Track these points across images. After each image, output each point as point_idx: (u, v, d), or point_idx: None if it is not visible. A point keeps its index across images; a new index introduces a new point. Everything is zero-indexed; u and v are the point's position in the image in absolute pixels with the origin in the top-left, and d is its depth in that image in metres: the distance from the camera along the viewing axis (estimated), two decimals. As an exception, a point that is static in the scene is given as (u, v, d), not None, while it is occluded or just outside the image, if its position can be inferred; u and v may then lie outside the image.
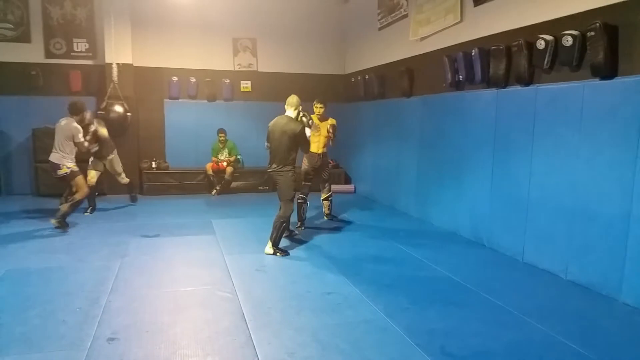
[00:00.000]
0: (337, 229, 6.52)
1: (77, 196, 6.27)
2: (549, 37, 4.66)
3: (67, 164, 6.23)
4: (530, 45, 4.90)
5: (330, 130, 6.57)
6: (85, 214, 7.11)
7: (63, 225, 6.15)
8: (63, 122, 6.34)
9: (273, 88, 9.85)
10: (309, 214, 6.84)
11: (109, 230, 6.26)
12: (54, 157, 6.27)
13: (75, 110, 6.42)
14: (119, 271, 4.65)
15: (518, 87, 5.16)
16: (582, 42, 4.34)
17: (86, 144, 6.53)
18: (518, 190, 5.12)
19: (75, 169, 6.33)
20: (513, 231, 5.21)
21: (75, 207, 6.30)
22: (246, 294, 4.09)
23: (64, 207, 6.21)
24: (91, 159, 7.30)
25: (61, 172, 6.22)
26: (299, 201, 6.35)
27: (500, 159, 5.40)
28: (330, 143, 6.72)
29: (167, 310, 3.78)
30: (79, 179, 6.35)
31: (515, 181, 5.18)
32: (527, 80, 5.03)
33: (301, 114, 5.54)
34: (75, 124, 6.33)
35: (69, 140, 6.25)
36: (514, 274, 4.77)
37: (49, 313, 3.66)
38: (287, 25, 10.01)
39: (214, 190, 9.22)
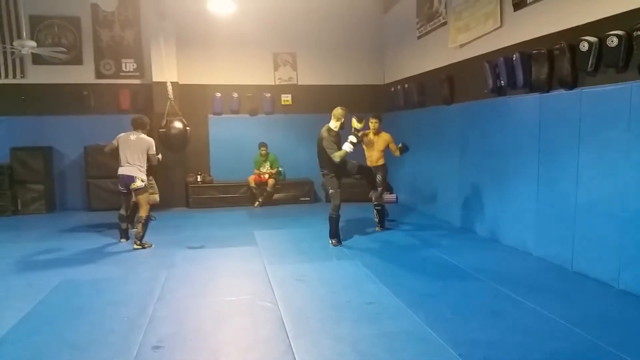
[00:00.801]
0: (379, 239, 6.48)
1: (143, 213, 6.21)
2: (592, 39, 4.50)
3: (142, 177, 6.23)
4: (573, 48, 4.75)
5: (391, 148, 7.02)
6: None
7: (145, 245, 6.21)
8: (133, 136, 6.27)
9: (313, 100, 10.00)
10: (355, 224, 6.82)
11: (156, 242, 6.46)
12: (128, 170, 6.17)
13: (143, 125, 6.48)
14: (165, 281, 4.81)
15: (562, 91, 5.00)
16: (628, 42, 4.17)
17: (159, 156, 6.62)
18: (565, 196, 4.94)
19: (146, 183, 6.36)
20: (561, 239, 5.02)
21: (146, 225, 6.28)
22: (286, 304, 4.13)
23: (139, 229, 6.23)
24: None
25: (135, 185, 6.17)
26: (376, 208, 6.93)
27: (545, 164, 5.24)
28: (397, 154, 7.06)
29: (210, 319, 3.87)
30: (147, 194, 6.37)
31: (562, 187, 5.00)
32: (571, 84, 4.86)
33: (356, 133, 6.16)
34: (149, 137, 6.43)
35: (144, 154, 6.27)
36: (562, 283, 4.59)
37: (99, 322, 3.83)
38: (326, 38, 10.14)
39: (257, 202, 9.38)
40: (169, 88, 8.56)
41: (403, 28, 9.14)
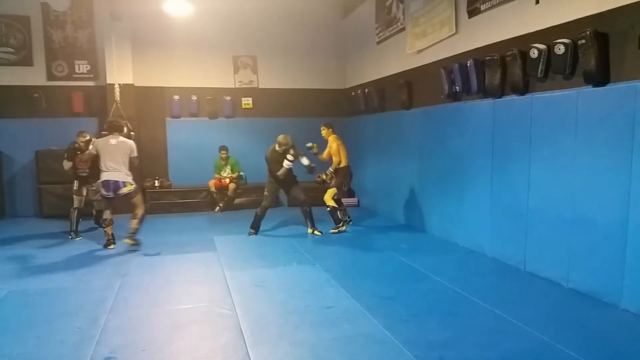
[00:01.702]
0: (338, 243, 6.51)
1: (140, 212, 6.23)
2: (541, 46, 4.68)
3: (130, 180, 6.13)
4: (524, 55, 4.93)
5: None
6: (70, 237, 6.96)
7: (137, 243, 6.19)
8: (113, 140, 6.12)
9: (274, 104, 9.98)
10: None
11: (110, 250, 6.27)
12: (115, 176, 6.03)
13: (120, 127, 6.41)
14: (119, 290, 4.66)
15: (514, 97, 5.17)
16: (574, 50, 4.36)
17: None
18: (517, 199, 5.10)
19: (136, 185, 6.28)
20: (514, 240, 5.17)
21: (141, 222, 6.30)
22: (245, 310, 4.07)
23: (134, 224, 6.17)
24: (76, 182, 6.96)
25: (126, 189, 6.06)
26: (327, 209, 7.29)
27: (498, 168, 5.39)
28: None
29: (165, 328, 3.77)
30: (139, 194, 6.37)
31: (514, 190, 5.16)
32: (522, 90, 5.04)
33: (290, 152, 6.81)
34: (129, 140, 6.35)
35: (127, 157, 6.12)
36: (515, 283, 4.73)
37: (48, 334, 3.66)
38: (286, 42, 10.13)
39: (217, 207, 9.25)
40: (117, 90, 8.32)
41: (363, 33, 9.24)
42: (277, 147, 6.84)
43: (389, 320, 3.77)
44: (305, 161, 6.90)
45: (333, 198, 7.11)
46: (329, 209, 7.09)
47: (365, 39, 9.11)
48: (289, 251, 6.07)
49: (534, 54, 4.74)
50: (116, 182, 6.04)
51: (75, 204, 6.93)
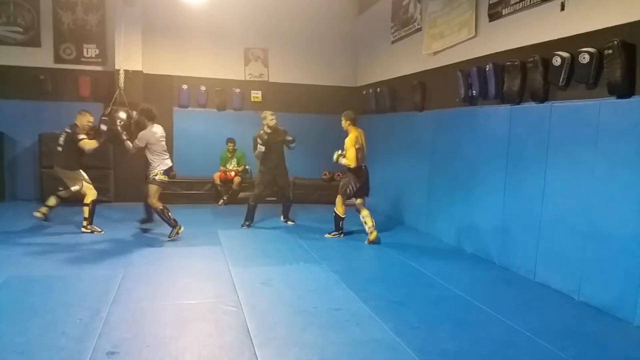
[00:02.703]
0: (345, 243, 6.42)
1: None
2: (565, 54, 4.58)
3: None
4: (546, 62, 4.82)
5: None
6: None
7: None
8: (160, 129, 6.32)
9: (284, 99, 9.86)
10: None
11: (113, 239, 6.19)
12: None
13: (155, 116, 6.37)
14: (121, 281, 4.57)
15: (532, 104, 5.08)
16: (599, 60, 4.26)
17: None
18: (531, 208, 5.01)
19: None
20: (525, 249, 5.09)
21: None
22: (251, 308, 3.99)
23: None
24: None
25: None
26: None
27: (513, 175, 5.30)
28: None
29: (169, 323, 3.69)
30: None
31: (528, 198, 5.07)
32: (542, 97, 4.94)
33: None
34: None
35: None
36: (526, 293, 4.65)
37: (49, 324, 3.58)
38: (299, 36, 10.01)
39: (221, 200, 9.16)
40: (121, 76, 8.20)
41: (377, 31, 9.12)
42: (267, 129, 6.99)
43: (399, 326, 3.69)
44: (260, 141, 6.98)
45: (343, 204, 6.55)
46: (333, 214, 6.64)
47: (380, 38, 8.99)
48: (296, 249, 5.98)
49: (556, 61, 4.64)
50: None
51: (94, 194, 6.61)
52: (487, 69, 5.65)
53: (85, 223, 6.43)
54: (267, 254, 5.76)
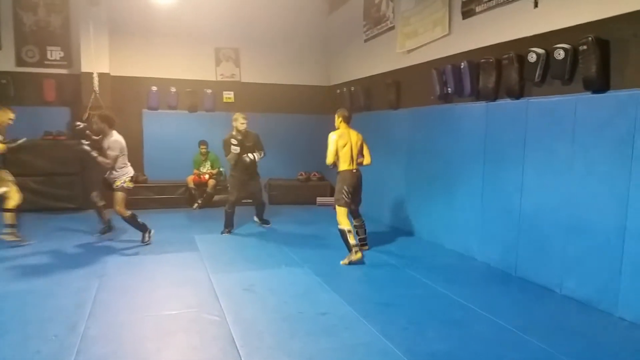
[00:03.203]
0: (324, 245, 6.34)
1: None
2: (540, 51, 4.63)
3: None
4: (521, 59, 4.87)
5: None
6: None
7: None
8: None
9: (256, 99, 9.73)
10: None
11: (84, 248, 5.96)
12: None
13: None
14: (97, 293, 4.38)
15: (508, 100, 5.12)
16: (574, 55, 4.32)
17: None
18: (509, 203, 5.06)
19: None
20: (505, 245, 5.14)
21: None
22: (235, 317, 3.88)
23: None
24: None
25: None
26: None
27: (490, 172, 5.34)
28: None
29: (149, 336, 3.54)
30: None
31: (506, 194, 5.12)
32: (518, 94, 4.99)
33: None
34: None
35: None
36: (508, 288, 4.69)
37: (23, 342, 3.38)
38: (271, 35, 9.88)
39: (196, 204, 8.96)
40: (95, 79, 7.93)
41: (349, 30, 9.09)
42: (236, 132, 6.69)
43: (387, 328, 3.64)
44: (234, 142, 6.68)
45: (343, 214, 5.53)
46: (339, 228, 5.53)
47: (352, 36, 8.96)
48: (275, 252, 5.88)
49: (532, 58, 4.69)
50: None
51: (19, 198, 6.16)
52: (461, 66, 5.68)
53: (10, 231, 5.92)
54: (247, 258, 5.64)
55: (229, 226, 6.88)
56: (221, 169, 9.19)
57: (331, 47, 10.16)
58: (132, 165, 8.99)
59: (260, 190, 7.24)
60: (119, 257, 5.62)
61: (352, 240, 5.38)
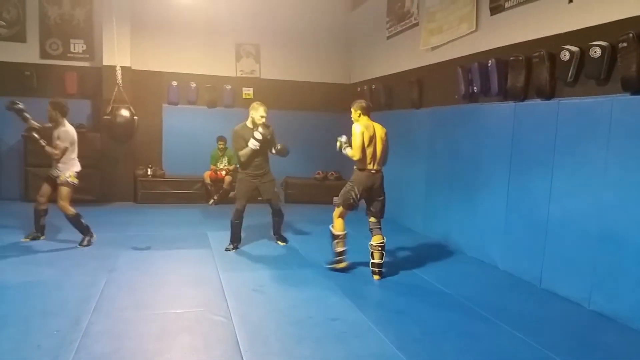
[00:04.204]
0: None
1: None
2: (574, 49, 4.35)
3: None
4: (553, 57, 4.59)
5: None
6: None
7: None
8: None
9: (276, 96, 9.57)
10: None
11: (97, 241, 5.88)
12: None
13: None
14: (104, 288, 4.29)
15: (538, 101, 4.84)
16: (611, 53, 4.03)
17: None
18: (536, 210, 4.78)
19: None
20: (530, 254, 4.86)
21: None
22: (242, 319, 3.72)
23: None
24: None
25: None
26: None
27: (517, 176, 5.07)
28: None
29: (153, 336, 3.41)
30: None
31: (533, 200, 4.84)
32: (549, 94, 4.70)
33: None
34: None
35: None
36: (532, 301, 4.41)
37: (23, 335, 3.29)
38: (291, 32, 9.73)
39: (211, 200, 8.87)
40: (118, 73, 7.92)
41: (372, 27, 8.87)
42: (249, 122, 5.68)
43: (400, 338, 3.44)
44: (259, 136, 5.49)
45: (341, 216, 4.98)
46: (331, 230, 5.02)
47: (375, 33, 8.74)
48: (288, 253, 5.72)
49: (565, 56, 4.41)
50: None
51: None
52: (489, 64, 5.42)
53: None
54: (259, 258, 5.49)
55: (235, 240, 5.76)
56: (238, 165, 9.06)
57: (353, 44, 9.95)
58: (151, 159, 9.11)
59: (277, 197, 6.06)
60: (130, 251, 5.54)
61: (340, 247, 4.90)
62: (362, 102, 5.07)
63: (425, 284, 4.75)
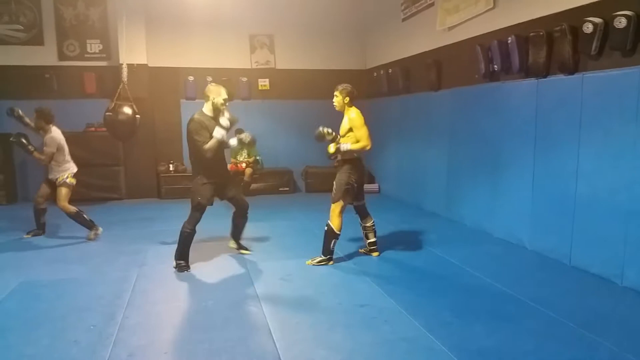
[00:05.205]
0: (360, 234, 6.13)
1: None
2: (597, 20, 4.23)
3: None
4: (575, 30, 4.48)
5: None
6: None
7: None
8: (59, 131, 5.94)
9: (292, 85, 9.59)
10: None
11: (125, 237, 6.01)
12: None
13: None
14: (136, 282, 4.38)
15: (561, 76, 4.73)
16: (637, 23, 3.91)
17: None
18: (564, 188, 4.70)
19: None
20: (558, 232, 4.79)
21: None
22: (272, 307, 3.76)
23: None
24: None
25: None
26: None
27: (542, 154, 4.98)
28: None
29: (186, 327, 3.48)
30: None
31: (559, 178, 4.76)
32: (572, 68, 4.59)
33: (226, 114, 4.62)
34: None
35: None
36: (563, 279, 4.36)
37: (60, 332, 3.39)
38: (305, 20, 9.66)
39: (233, 193, 8.91)
40: (124, 70, 8.01)
41: (386, 10, 8.75)
42: (206, 108, 4.66)
43: (430, 322, 3.43)
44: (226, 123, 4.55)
45: (341, 212, 4.80)
46: (326, 228, 4.81)
47: (389, 16, 8.62)
48: (312, 241, 5.70)
49: (587, 28, 4.29)
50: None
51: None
52: (509, 41, 5.30)
53: None
54: (284, 247, 5.53)
55: (183, 258, 4.72)
56: (258, 158, 9.12)
57: (367, 29, 9.83)
58: (172, 154, 9.19)
59: (241, 191, 5.34)
60: (159, 246, 5.63)
61: (334, 246, 4.82)
62: (349, 87, 4.90)
63: (452, 267, 4.73)
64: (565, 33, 4.56)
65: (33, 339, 3.26)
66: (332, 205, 4.82)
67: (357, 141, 4.73)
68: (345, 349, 3.08)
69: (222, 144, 4.64)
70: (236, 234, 5.24)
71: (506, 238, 5.57)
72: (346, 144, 4.74)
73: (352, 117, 4.77)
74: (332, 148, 4.84)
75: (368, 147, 4.77)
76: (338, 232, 4.79)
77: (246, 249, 5.28)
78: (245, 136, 4.91)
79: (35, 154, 5.80)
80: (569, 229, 4.64)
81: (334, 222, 4.78)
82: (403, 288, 4.14)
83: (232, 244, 5.30)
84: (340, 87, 4.88)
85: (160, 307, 3.84)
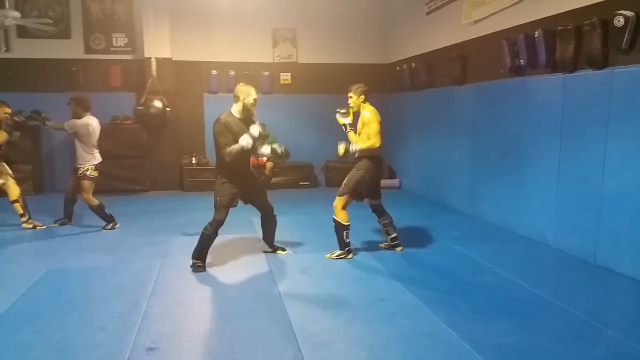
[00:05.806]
0: (379, 228, 6.12)
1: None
2: (629, 13, 4.12)
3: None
4: (605, 24, 4.37)
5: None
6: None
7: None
8: (96, 121, 6.18)
9: (314, 80, 9.57)
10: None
11: (149, 228, 6.12)
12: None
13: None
14: (160, 272, 4.46)
15: (589, 71, 4.63)
16: (670, 16, 3.80)
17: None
18: (590, 185, 4.61)
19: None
20: (583, 230, 4.70)
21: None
22: (292, 300, 3.79)
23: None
24: None
25: None
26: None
27: (568, 151, 4.89)
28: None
29: (209, 316, 3.56)
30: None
31: (586, 175, 4.66)
32: (601, 63, 4.48)
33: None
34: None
35: None
36: (588, 278, 4.29)
37: (87, 318, 3.48)
38: (327, 14, 9.63)
39: (254, 186, 8.98)
40: (153, 64, 8.10)
41: (410, 3, 8.66)
42: (235, 109, 4.63)
43: (451, 317, 3.41)
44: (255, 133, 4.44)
45: (345, 206, 4.85)
46: (333, 223, 4.86)
47: (413, 10, 8.54)
48: (332, 235, 5.68)
49: (619, 22, 4.18)
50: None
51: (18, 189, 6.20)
52: (535, 35, 5.20)
53: (24, 220, 6.11)
54: (303, 240, 5.56)
55: (201, 256, 4.56)
56: (274, 146, 9.14)
57: (390, 23, 9.75)
58: (195, 147, 9.30)
59: (266, 194, 5.03)
60: (182, 237, 5.71)
61: (348, 238, 4.82)
62: (363, 86, 4.95)
63: (474, 264, 4.69)
64: (595, 27, 4.46)
65: (61, 325, 3.36)
66: (337, 199, 4.85)
67: (368, 138, 4.74)
68: (364, 342, 3.09)
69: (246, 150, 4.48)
70: (268, 237, 5.11)
71: (529, 235, 5.49)
72: (355, 145, 4.76)
73: (364, 114, 4.84)
74: (341, 150, 4.87)
75: (377, 145, 4.77)
76: (347, 224, 4.79)
77: (282, 249, 5.14)
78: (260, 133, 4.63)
79: (50, 123, 6.24)
80: (595, 226, 4.56)
81: (340, 216, 4.81)
82: (423, 283, 4.13)
83: (266, 248, 5.13)
84: (353, 88, 4.93)
85: (183, 297, 3.92)
